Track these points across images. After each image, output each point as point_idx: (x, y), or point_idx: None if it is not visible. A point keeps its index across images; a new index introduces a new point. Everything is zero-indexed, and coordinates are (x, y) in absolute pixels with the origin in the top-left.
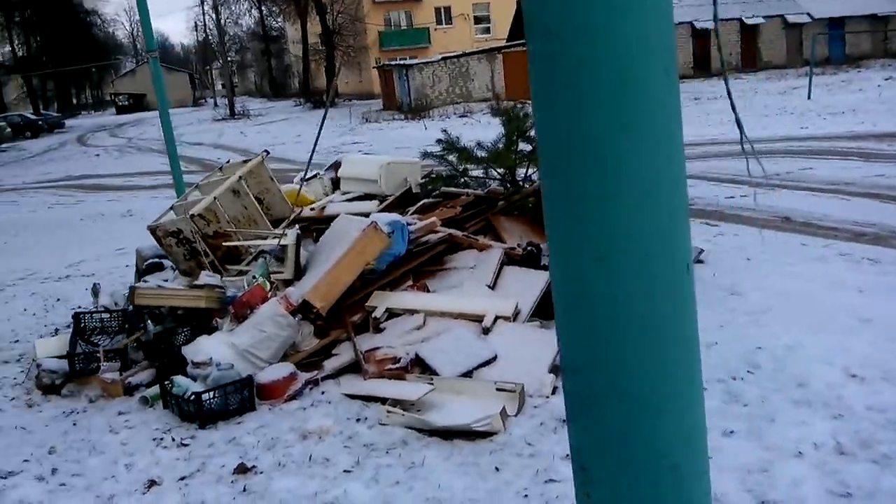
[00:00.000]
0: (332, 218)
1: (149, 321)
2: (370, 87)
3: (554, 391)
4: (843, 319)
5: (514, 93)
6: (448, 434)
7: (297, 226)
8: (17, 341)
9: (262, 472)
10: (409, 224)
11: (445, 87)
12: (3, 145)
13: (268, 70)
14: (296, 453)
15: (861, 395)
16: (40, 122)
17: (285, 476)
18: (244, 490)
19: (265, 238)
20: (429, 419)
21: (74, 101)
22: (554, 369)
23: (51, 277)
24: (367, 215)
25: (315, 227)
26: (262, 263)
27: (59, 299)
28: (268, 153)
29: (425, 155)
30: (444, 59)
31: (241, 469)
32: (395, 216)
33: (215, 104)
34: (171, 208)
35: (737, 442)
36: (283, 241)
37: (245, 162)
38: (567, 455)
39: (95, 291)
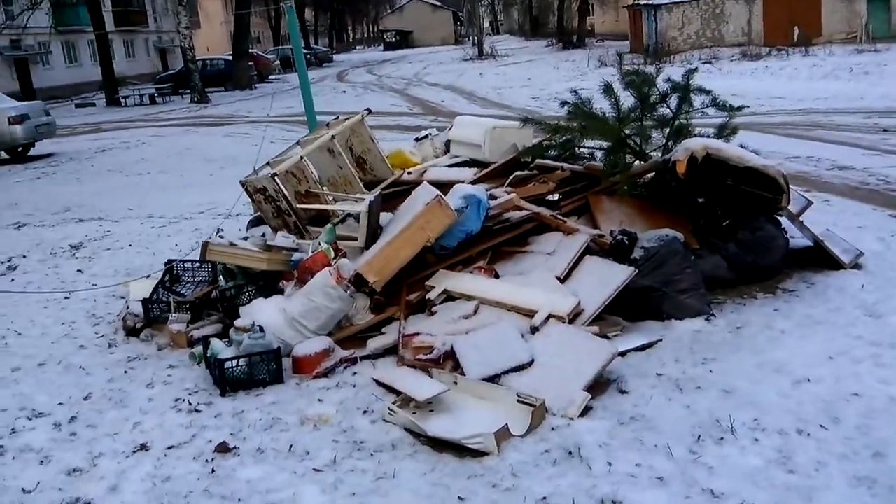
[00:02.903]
0: (431, 183)
1: (221, 276)
2: (626, 27)
3: (585, 412)
4: None
5: (774, 38)
6: (442, 444)
7: (377, 190)
8: (149, 276)
9: (238, 456)
10: (491, 198)
11: (695, 30)
12: (271, 77)
13: (528, 8)
14: (283, 440)
15: None
16: (309, 56)
17: (257, 464)
18: (212, 472)
19: (347, 200)
20: (426, 424)
21: (351, 35)
22: (593, 387)
23: (224, 213)
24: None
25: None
26: (331, 229)
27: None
28: (369, 111)
29: (526, 121)
30: None
31: (222, 448)
32: (473, 189)
33: (473, 43)
34: (268, 163)
35: None
36: (355, 208)
37: (345, 120)
38: (544, 498)
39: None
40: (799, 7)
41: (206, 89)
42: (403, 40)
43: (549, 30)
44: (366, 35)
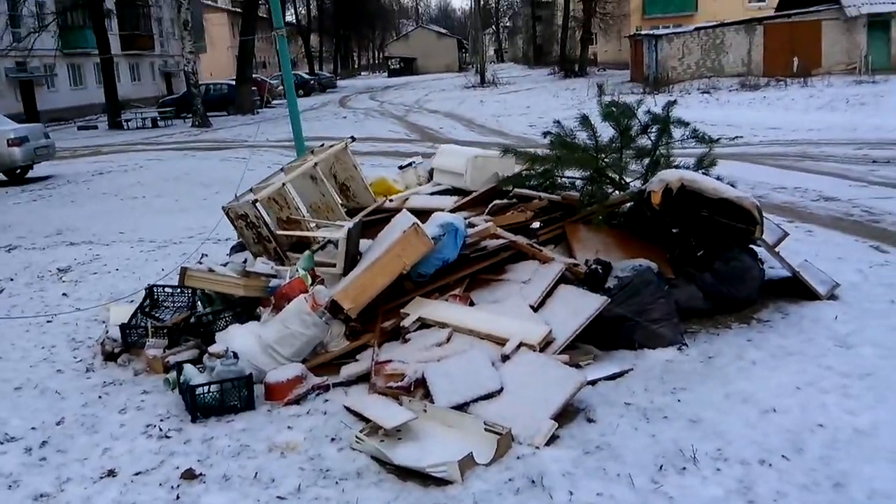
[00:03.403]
0: (412, 211)
1: (199, 302)
2: (628, 57)
3: (551, 441)
4: None
5: (773, 69)
6: (408, 472)
7: (358, 217)
8: (132, 301)
9: (204, 483)
10: (469, 227)
11: (695, 60)
12: (274, 102)
13: (532, 37)
14: (250, 467)
15: None
16: (312, 82)
17: (222, 491)
18: (177, 498)
19: (328, 227)
20: (392, 452)
21: (357, 62)
22: (561, 415)
23: (213, 238)
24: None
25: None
26: (309, 256)
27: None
28: (353, 139)
29: (506, 151)
30: (696, 29)
31: (189, 475)
32: (450, 217)
33: (476, 71)
34: (251, 189)
35: None
36: (334, 235)
37: (329, 147)
38: None
39: (199, 263)
40: (799, 38)
41: (209, 113)
42: (408, 67)
43: (552, 58)
44: (371, 61)
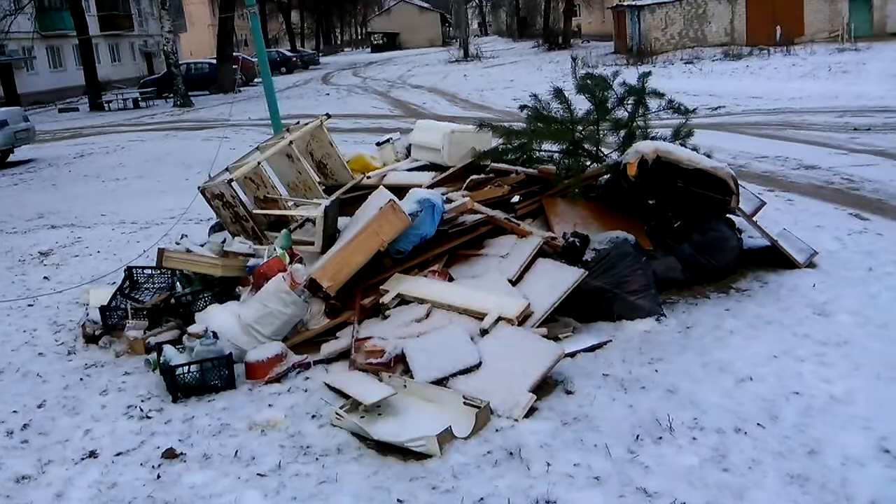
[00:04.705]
0: (389, 188)
1: (178, 283)
2: (611, 28)
3: (530, 413)
4: None
5: (756, 38)
6: (387, 447)
7: (336, 195)
8: (113, 283)
9: (185, 462)
10: (447, 202)
11: (678, 31)
12: (256, 80)
13: (515, 10)
14: (230, 445)
15: (876, 481)
16: (295, 59)
17: (203, 469)
18: (157, 478)
19: (306, 205)
20: (372, 428)
21: (339, 38)
22: (539, 388)
23: (196, 218)
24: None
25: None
26: (286, 234)
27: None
28: (328, 116)
29: (482, 125)
30: None
31: (169, 454)
32: (427, 193)
33: (459, 45)
34: (226, 169)
35: None
36: (311, 213)
37: (305, 125)
38: (482, 499)
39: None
40: (782, 6)
41: (190, 93)
42: (391, 42)
43: (536, 31)
44: (353, 37)
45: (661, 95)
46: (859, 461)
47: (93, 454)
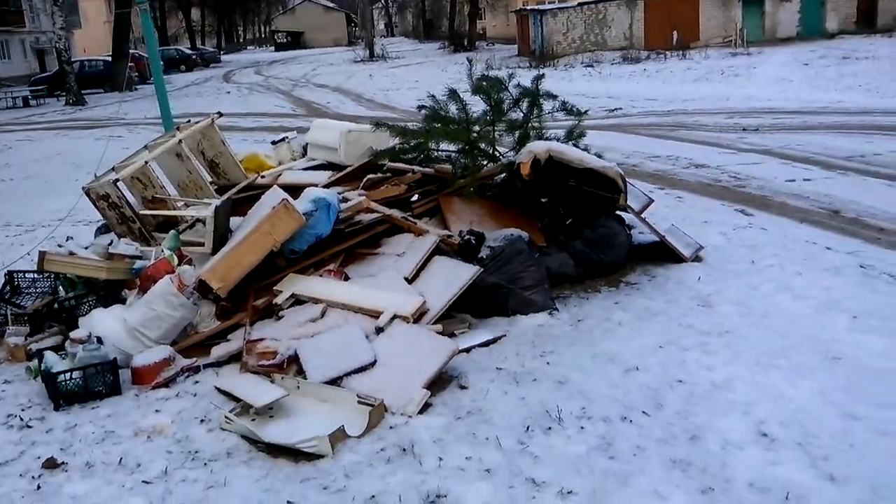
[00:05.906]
0: (284, 187)
1: (61, 286)
2: (515, 31)
3: (424, 409)
4: (806, 356)
5: (654, 42)
6: (279, 449)
7: (228, 194)
8: None
9: (66, 471)
10: (343, 201)
11: (579, 35)
12: (152, 78)
13: (422, 11)
14: (115, 452)
15: (754, 464)
16: (195, 57)
17: (85, 479)
18: (37, 489)
19: (196, 205)
20: (263, 431)
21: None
22: (434, 384)
23: (84, 220)
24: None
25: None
26: (174, 235)
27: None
28: (220, 115)
29: (378, 124)
30: (580, 4)
31: (50, 464)
32: (322, 192)
33: (365, 45)
34: (113, 168)
35: None
36: (201, 214)
37: (195, 123)
38: (373, 497)
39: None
40: (679, 12)
41: (85, 91)
42: (295, 41)
43: (442, 33)
44: (257, 35)
45: (554, 97)
46: (738, 445)
47: None
